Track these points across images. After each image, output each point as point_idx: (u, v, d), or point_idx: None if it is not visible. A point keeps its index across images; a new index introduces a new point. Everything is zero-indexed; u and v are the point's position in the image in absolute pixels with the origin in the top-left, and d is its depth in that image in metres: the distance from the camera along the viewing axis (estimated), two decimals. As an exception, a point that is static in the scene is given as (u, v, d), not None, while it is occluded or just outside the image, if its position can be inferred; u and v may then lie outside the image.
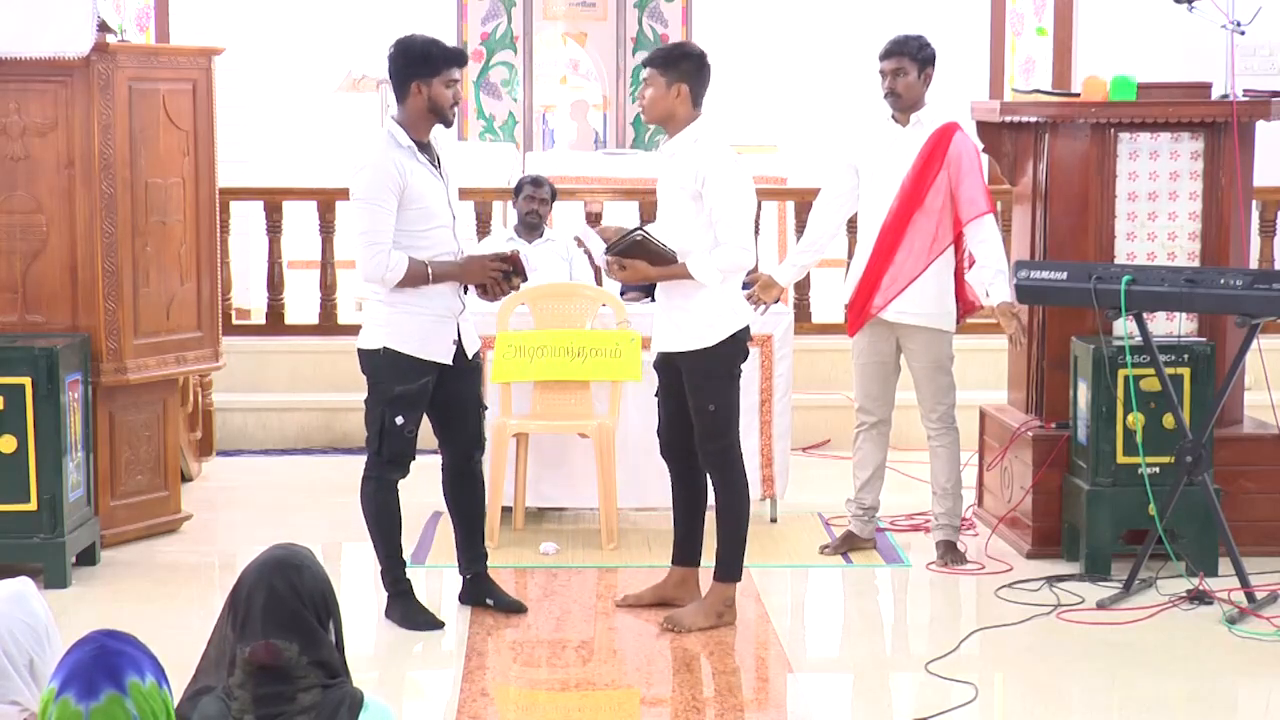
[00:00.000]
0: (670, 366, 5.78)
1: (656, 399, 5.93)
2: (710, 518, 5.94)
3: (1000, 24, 10.88)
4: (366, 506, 5.85)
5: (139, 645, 2.84)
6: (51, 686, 2.79)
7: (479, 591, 6.02)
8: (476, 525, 6.03)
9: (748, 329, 5.78)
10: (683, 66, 5.65)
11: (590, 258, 5.86)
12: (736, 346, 5.72)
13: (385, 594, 5.91)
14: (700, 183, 5.61)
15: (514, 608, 5.98)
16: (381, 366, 5.72)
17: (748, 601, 6.18)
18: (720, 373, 5.70)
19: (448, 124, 5.75)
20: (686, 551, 5.98)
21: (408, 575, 5.91)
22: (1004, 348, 7.40)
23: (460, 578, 6.06)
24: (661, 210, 5.82)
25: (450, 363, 5.75)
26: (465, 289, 5.80)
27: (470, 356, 5.85)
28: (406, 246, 5.63)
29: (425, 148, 5.72)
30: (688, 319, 5.68)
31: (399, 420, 5.70)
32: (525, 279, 5.85)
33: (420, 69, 5.64)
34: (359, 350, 5.82)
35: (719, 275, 5.64)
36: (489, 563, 6.09)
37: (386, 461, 5.77)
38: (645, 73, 5.71)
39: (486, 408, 6.13)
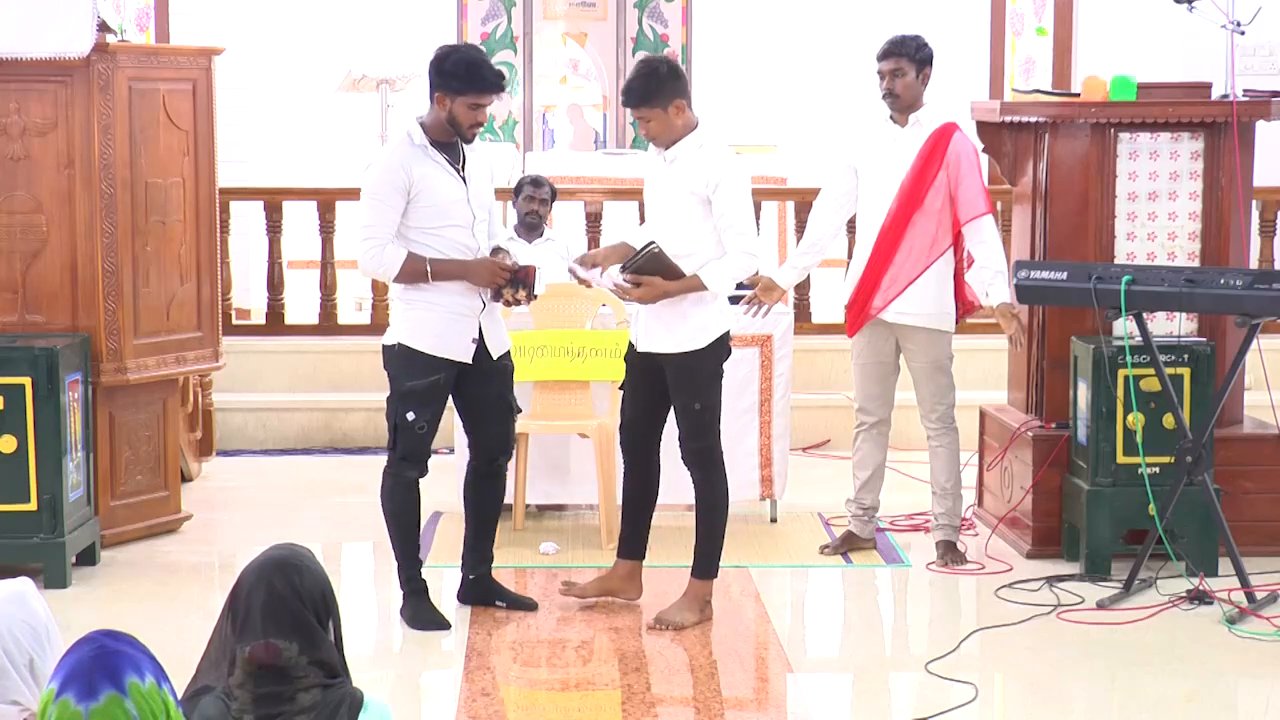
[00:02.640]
0: (650, 364, 5.80)
1: (622, 391, 5.95)
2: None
3: (1000, 24, 10.88)
4: (384, 504, 5.87)
5: (138, 645, 2.84)
6: (51, 687, 2.79)
7: (485, 593, 6.02)
8: (488, 526, 6.03)
9: (729, 329, 5.87)
10: (670, 87, 5.66)
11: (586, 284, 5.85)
12: (723, 346, 5.81)
13: (381, 593, 5.91)
14: (713, 188, 5.65)
15: (525, 605, 6.00)
16: (396, 362, 5.76)
17: (748, 601, 6.18)
18: (709, 372, 5.77)
19: (466, 142, 5.75)
20: (635, 545, 6.02)
21: (422, 575, 5.90)
22: (1004, 348, 7.40)
23: (462, 576, 6.07)
24: (660, 215, 5.80)
25: (469, 361, 5.76)
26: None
27: (495, 357, 5.85)
28: (419, 244, 5.67)
29: (447, 147, 5.72)
30: (681, 322, 5.72)
31: (410, 416, 5.71)
32: (533, 296, 5.83)
33: (448, 83, 5.64)
34: (382, 347, 5.85)
35: (732, 283, 5.75)
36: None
37: (401, 458, 5.78)
38: (638, 112, 5.69)
39: (519, 410, 6.09)
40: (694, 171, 5.68)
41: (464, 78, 5.61)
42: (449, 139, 5.71)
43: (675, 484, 6.07)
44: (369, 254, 5.66)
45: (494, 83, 5.67)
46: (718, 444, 5.81)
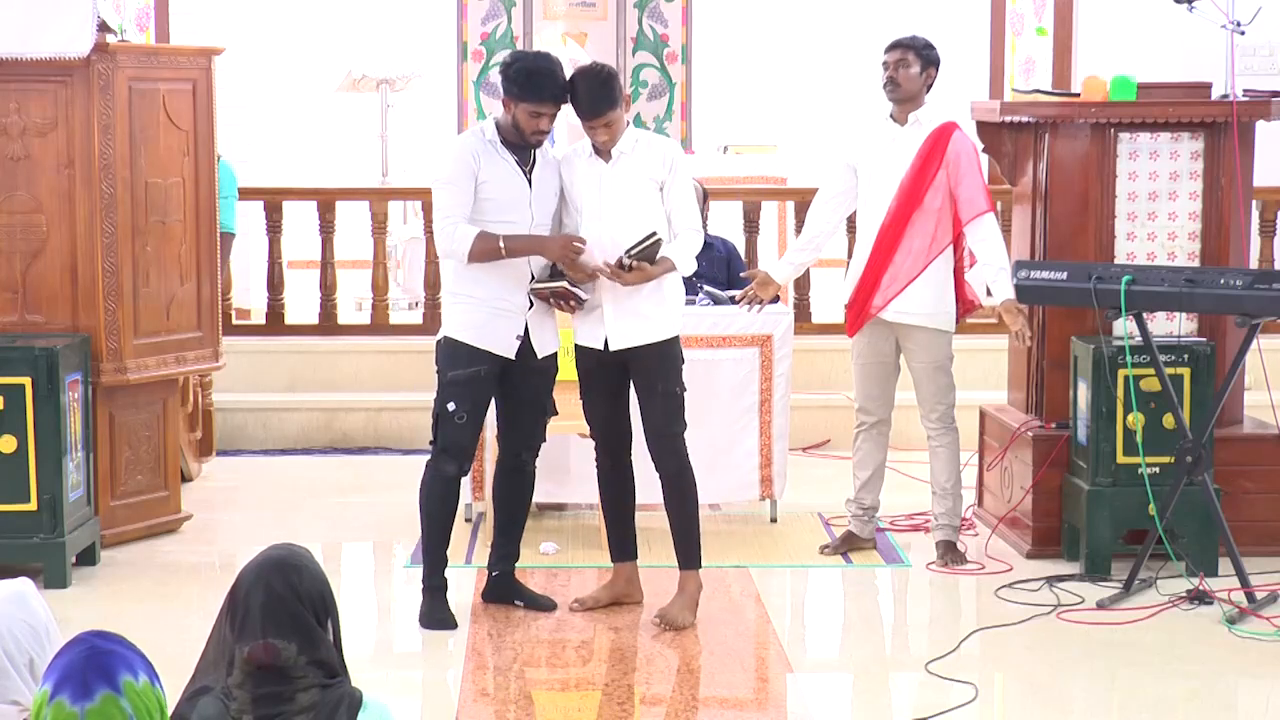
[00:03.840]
0: (614, 364, 5.82)
1: (584, 400, 5.96)
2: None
3: (1000, 24, 10.87)
4: (420, 497, 5.89)
5: (128, 645, 2.84)
6: (44, 689, 2.79)
7: (506, 591, 6.04)
8: (514, 523, 6.05)
9: None
10: (619, 83, 5.78)
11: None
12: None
13: (381, 593, 5.91)
14: (669, 168, 5.80)
15: (543, 605, 6.00)
16: (442, 355, 5.83)
17: (748, 601, 6.18)
18: (680, 355, 5.88)
19: (530, 146, 5.77)
20: (628, 547, 6.06)
21: (444, 574, 5.89)
22: (1004, 348, 7.39)
23: (488, 574, 6.09)
24: (616, 211, 5.78)
25: (511, 357, 5.78)
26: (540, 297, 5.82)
27: (540, 356, 5.86)
28: None
29: (517, 148, 5.76)
30: (657, 310, 5.79)
31: (450, 406, 5.75)
32: (582, 302, 5.79)
33: (510, 89, 5.71)
34: (435, 345, 5.93)
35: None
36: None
37: (441, 450, 5.80)
38: (605, 119, 5.69)
39: (555, 413, 6.09)
40: (648, 159, 5.79)
41: (524, 85, 5.67)
42: (519, 140, 5.75)
43: (658, 483, 6.05)
44: (441, 233, 5.70)
45: (552, 94, 5.68)
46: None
